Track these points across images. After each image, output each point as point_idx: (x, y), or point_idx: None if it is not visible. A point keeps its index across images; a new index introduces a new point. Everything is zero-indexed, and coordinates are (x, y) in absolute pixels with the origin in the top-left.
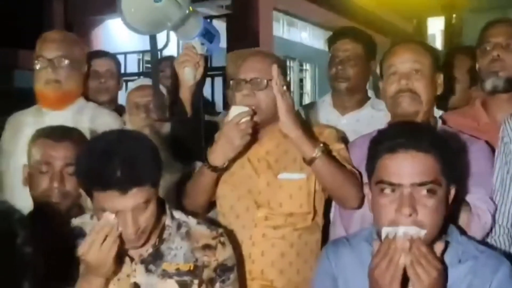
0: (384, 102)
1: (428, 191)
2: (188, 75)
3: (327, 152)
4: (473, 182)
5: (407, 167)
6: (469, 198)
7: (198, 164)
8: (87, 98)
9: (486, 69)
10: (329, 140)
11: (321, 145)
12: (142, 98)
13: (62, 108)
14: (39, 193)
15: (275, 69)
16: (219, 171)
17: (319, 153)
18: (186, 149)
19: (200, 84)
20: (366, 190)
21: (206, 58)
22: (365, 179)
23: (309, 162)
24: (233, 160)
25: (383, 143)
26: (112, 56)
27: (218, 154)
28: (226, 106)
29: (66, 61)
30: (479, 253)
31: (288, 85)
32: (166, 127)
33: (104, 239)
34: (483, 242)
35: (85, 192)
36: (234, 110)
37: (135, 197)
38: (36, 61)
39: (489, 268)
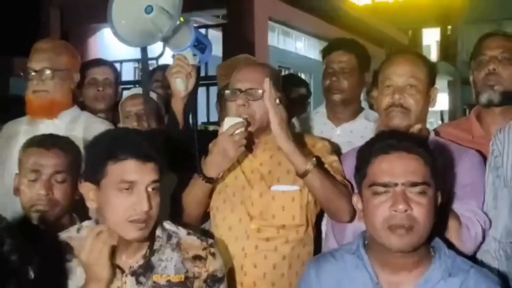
0: (377, 111)
1: (420, 191)
2: (179, 86)
3: (320, 165)
4: (463, 194)
5: (400, 167)
6: (457, 209)
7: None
8: (85, 106)
9: (481, 82)
10: (322, 152)
11: (313, 158)
12: (134, 107)
13: (51, 117)
14: (27, 200)
15: (267, 82)
16: (214, 182)
17: (311, 166)
18: (179, 159)
19: (193, 95)
20: (355, 199)
21: (198, 69)
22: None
23: (302, 175)
24: (226, 171)
25: (374, 146)
26: (111, 65)
27: (212, 165)
28: (209, 116)
29: (52, 72)
30: (469, 267)
31: (282, 97)
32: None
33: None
34: (470, 257)
35: (92, 179)
36: (228, 122)
37: (152, 171)
38: (25, 72)
39: None
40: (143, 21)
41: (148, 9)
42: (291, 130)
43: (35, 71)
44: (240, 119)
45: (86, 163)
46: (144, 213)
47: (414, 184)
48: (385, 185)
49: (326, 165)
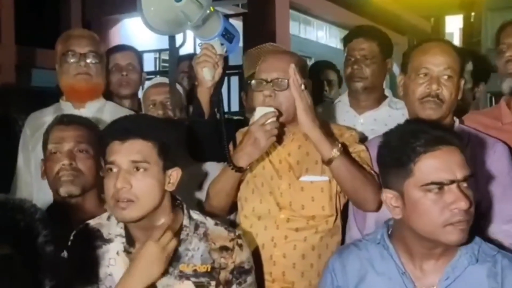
0: (405, 98)
1: (469, 184)
2: (206, 75)
3: (346, 153)
4: (497, 194)
5: (452, 163)
6: (497, 233)
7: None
8: (110, 92)
9: (502, 70)
10: (350, 142)
11: (340, 145)
12: (159, 96)
13: (90, 100)
14: (53, 174)
15: (292, 68)
16: (243, 172)
17: (337, 153)
18: (203, 149)
19: (219, 85)
20: (389, 196)
21: (226, 59)
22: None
23: (328, 162)
24: (254, 161)
25: (414, 143)
26: (134, 50)
27: (243, 155)
28: (241, 105)
29: (96, 56)
30: (495, 252)
31: (308, 85)
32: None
33: None
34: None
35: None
36: (260, 111)
37: (133, 150)
38: (64, 56)
39: (508, 277)
40: (172, 10)
41: None
42: (318, 117)
43: (81, 54)
44: (271, 109)
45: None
46: (124, 191)
47: (466, 178)
48: (442, 183)
49: (353, 155)
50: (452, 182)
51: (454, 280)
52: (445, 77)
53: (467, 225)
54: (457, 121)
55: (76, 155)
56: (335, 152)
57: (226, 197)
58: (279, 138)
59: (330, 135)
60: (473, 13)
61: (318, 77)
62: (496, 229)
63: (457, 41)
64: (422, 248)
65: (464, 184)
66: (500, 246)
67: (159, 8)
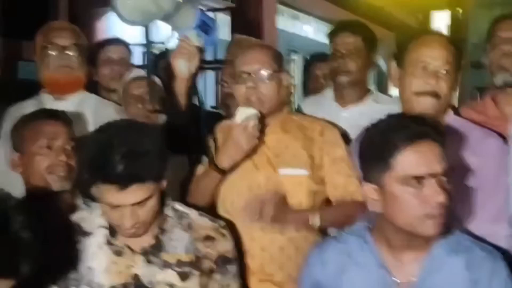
0: (400, 90)
1: (449, 178)
2: (182, 68)
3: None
4: (487, 188)
5: (431, 158)
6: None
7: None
8: (97, 83)
9: (496, 64)
10: (329, 144)
11: (314, 216)
12: (138, 89)
13: (71, 92)
14: (42, 171)
15: None
16: (225, 173)
17: (316, 222)
18: (182, 141)
19: (195, 76)
20: (371, 189)
21: (202, 51)
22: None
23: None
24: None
25: (394, 136)
26: (126, 44)
27: (225, 156)
28: (218, 100)
29: (78, 49)
30: (473, 244)
31: (285, 76)
32: (162, 119)
33: None
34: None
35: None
36: (241, 112)
37: (135, 193)
38: (45, 48)
39: (486, 268)
40: (145, 1)
41: None
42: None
43: (62, 46)
44: (254, 111)
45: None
46: (130, 228)
47: (445, 173)
48: (420, 177)
49: (333, 160)
50: (431, 176)
51: (433, 271)
52: (443, 71)
53: (444, 218)
54: (451, 112)
55: (67, 151)
56: (315, 220)
57: (208, 195)
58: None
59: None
60: (460, 10)
61: (314, 71)
62: (484, 227)
63: None
64: (401, 240)
65: (443, 178)
66: (487, 243)
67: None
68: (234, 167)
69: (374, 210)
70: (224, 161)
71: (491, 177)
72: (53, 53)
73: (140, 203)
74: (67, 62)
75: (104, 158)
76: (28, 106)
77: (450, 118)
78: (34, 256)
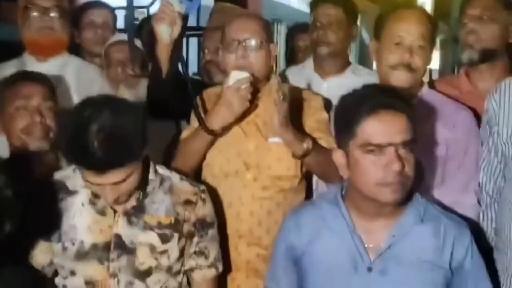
0: (377, 64)
1: (410, 149)
2: (164, 33)
3: (313, 143)
4: (453, 162)
5: (393, 127)
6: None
7: (183, 123)
8: (79, 46)
9: (462, 41)
10: (315, 109)
11: (310, 142)
12: (118, 53)
13: (53, 55)
14: (21, 129)
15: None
16: (215, 135)
17: (308, 147)
18: (163, 107)
19: (179, 43)
20: (338, 154)
21: (185, 17)
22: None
23: (299, 157)
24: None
25: (362, 104)
26: (110, 8)
27: (216, 118)
28: (199, 67)
29: (60, 11)
30: (440, 214)
31: (274, 47)
32: (143, 83)
33: None
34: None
35: None
36: (234, 76)
37: (115, 175)
38: (26, 9)
39: (451, 236)
40: None
41: None
42: (284, 83)
43: (44, 8)
44: (246, 74)
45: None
46: (111, 202)
47: (405, 143)
48: (379, 145)
49: (317, 124)
50: (389, 145)
51: (400, 237)
52: (417, 46)
53: (401, 186)
54: (425, 86)
55: (43, 112)
56: (306, 148)
57: (197, 157)
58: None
59: (299, 130)
60: None
61: (295, 41)
62: (453, 196)
63: (428, 10)
64: (369, 207)
65: (404, 148)
66: (455, 212)
67: None
68: (223, 130)
69: (343, 176)
70: (214, 123)
71: (461, 149)
72: (35, 14)
73: (120, 183)
74: (49, 24)
75: (82, 144)
76: (9, 68)
77: (424, 92)
78: (16, 215)
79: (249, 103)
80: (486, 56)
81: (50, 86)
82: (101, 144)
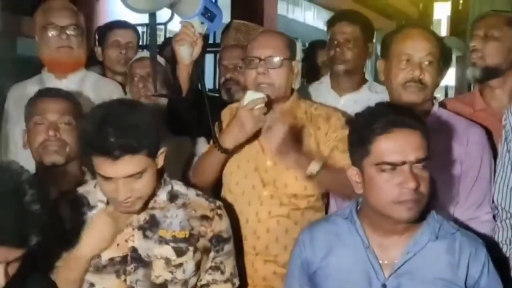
0: (387, 82)
1: (424, 166)
2: (184, 53)
3: (324, 164)
4: (470, 177)
5: (407, 145)
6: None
7: (200, 140)
8: (102, 64)
9: (468, 60)
10: (336, 126)
11: (315, 165)
12: (141, 70)
13: (72, 72)
14: (37, 144)
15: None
16: (228, 153)
17: (316, 169)
18: (182, 123)
19: (199, 63)
20: (354, 172)
21: (206, 37)
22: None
23: (308, 178)
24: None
25: (375, 123)
26: (134, 28)
27: (229, 137)
28: (218, 83)
29: (77, 29)
30: (455, 230)
31: (297, 64)
32: (163, 100)
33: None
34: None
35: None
36: (249, 96)
37: (127, 165)
38: (44, 29)
39: (466, 253)
40: None
41: None
42: (307, 99)
43: (61, 27)
44: (261, 95)
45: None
46: (122, 201)
47: (420, 161)
48: (393, 164)
49: (335, 141)
50: (404, 163)
51: (415, 254)
52: (427, 62)
53: (415, 204)
54: (436, 104)
55: (60, 127)
56: (309, 173)
57: (211, 174)
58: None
59: (306, 151)
60: (461, 1)
61: (314, 59)
62: (468, 214)
63: (444, 28)
64: (384, 224)
65: (418, 166)
66: (470, 229)
67: None
68: (236, 148)
69: (358, 192)
70: (227, 141)
71: (475, 165)
72: (52, 33)
73: (133, 176)
74: (66, 42)
75: (97, 131)
76: (30, 85)
77: (435, 109)
78: (42, 228)
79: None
80: (490, 73)
81: (70, 101)
82: (114, 131)
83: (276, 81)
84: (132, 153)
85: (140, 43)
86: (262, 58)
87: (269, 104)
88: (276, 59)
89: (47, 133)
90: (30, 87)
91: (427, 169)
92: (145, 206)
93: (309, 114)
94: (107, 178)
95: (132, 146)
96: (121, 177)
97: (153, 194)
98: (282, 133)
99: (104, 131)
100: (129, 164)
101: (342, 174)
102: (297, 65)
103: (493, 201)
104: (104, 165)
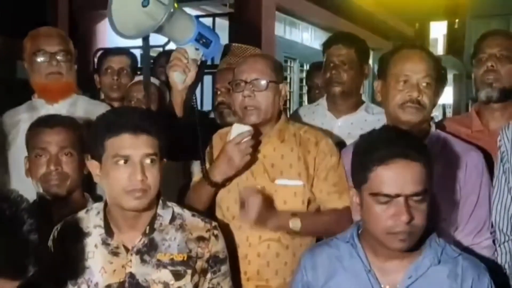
0: (384, 103)
1: (421, 199)
2: (177, 79)
3: (304, 213)
4: (470, 202)
5: (404, 178)
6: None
7: (195, 163)
8: (99, 91)
9: (480, 79)
10: (323, 153)
11: (295, 220)
12: (138, 93)
13: (62, 99)
14: (39, 177)
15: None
16: (218, 187)
17: (298, 227)
18: (178, 148)
19: (192, 88)
20: (353, 194)
21: (201, 63)
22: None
23: (293, 233)
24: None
25: (373, 154)
26: (128, 54)
27: (218, 171)
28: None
29: (66, 54)
30: (457, 254)
31: (284, 86)
32: None
33: None
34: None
35: (96, 156)
36: (236, 129)
37: (145, 143)
38: (34, 55)
39: (469, 278)
40: (139, 14)
41: (145, 3)
42: (297, 121)
43: (51, 53)
44: (247, 128)
45: (90, 141)
46: (140, 182)
47: (416, 194)
48: (388, 195)
49: (324, 171)
50: (398, 196)
51: (416, 279)
52: (424, 84)
53: (408, 236)
54: (433, 126)
55: (61, 160)
56: (295, 226)
57: (203, 204)
58: (255, 139)
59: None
60: (457, 20)
61: (313, 79)
62: (468, 239)
63: (440, 47)
64: (383, 249)
65: (414, 198)
66: (472, 253)
67: (128, 16)
68: (226, 181)
69: (357, 217)
70: (216, 176)
71: (474, 190)
72: (42, 59)
73: (149, 157)
74: (56, 69)
75: (119, 114)
76: (22, 112)
77: (433, 131)
78: (40, 258)
79: (256, 142)
80: (505, 94)
81: (71, 128)
82: (134, 113)
83: (262, 103)
84: (148, 134)
85: (139, 65)
86: (247, 81)
87: (256, 135)
88: (262, 82)
89: (49, 167)
90: (21, 114)
91: (425, 201)
92: (150, 215)
93: (298, 137)
94: (125, 161)
95: (150, 128)
96: (139, 155)
97: (156, 216)
98: (256, 206)
99: (124, 113)
100: (146, 143)
101: (324, 218)
102: (284, 88)
103: (492, 225)
104: (123, 143)
